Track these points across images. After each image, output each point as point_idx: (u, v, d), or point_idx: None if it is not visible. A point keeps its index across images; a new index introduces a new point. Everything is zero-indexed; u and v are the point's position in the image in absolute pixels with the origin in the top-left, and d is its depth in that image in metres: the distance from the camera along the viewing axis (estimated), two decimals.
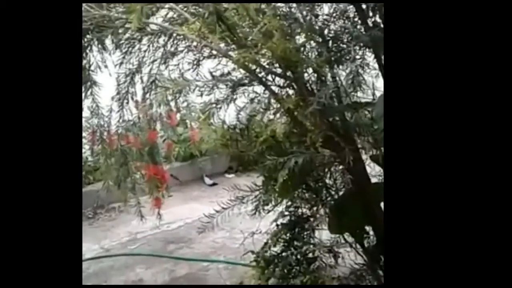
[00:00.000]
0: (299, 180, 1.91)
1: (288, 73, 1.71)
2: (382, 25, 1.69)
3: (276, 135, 1.71)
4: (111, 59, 2.02)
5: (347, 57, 1.71)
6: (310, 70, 1.77)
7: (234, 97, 1.77)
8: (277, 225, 2.13)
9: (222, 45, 1.64)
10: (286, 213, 2.12)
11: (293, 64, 1.66)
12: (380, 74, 1.81)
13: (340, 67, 1.78)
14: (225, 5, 1.61)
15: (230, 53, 1.65)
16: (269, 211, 2.03)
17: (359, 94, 1.81)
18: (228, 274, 2.87)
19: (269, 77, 1.75)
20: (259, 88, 1.80)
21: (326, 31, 1.81)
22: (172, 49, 1.95)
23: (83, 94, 2.00)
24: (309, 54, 1.78)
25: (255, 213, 2.02)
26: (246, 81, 1.76)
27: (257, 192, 2.00)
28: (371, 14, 1.75)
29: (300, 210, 2.12)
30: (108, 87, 2.10)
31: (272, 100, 1.79)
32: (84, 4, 1.63)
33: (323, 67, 1.74)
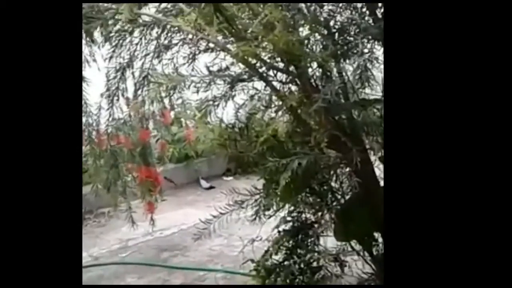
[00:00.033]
0: (303, 183, 1.90)
1: (291, 68, 1.71)
2: None
3: (277, 135, 1.71)
4: (100, 52, 2.01)
5: (355, 51, 1.69)
6: (315, 64, 1.75)
7: (233, 93, 1.76)
8: (279, 232, 2.10)
9: (219, 37, 1.64)
10: (289, 218, 2.09)
11: (296, 58, 1.65)
12: None
13: (347, 61, 1.76)
14: None
15: (229, 46, 1.65)
16: (270, 217, 2.02)
17: (367, 90, 1.77)
18: (226, 283, 2.85)
19: (271, 72, 1.75)
20: (260, 84, 1.79)
21: (332, 23, 1.79)
22: (166, 42, 1.95)
23: None
24: (314, 47, 1.78)
25: (255, 219, 2.00)
26: (245, 77, 1.76)
27: (257, 196, 1.98)
28: (380, 4, 1.72)
29: (303, 216, 2.09)
30: (97, 83, 2.08)
31: (274, 97, 1.78)
32: None
33: (328, 62, 1.72)
